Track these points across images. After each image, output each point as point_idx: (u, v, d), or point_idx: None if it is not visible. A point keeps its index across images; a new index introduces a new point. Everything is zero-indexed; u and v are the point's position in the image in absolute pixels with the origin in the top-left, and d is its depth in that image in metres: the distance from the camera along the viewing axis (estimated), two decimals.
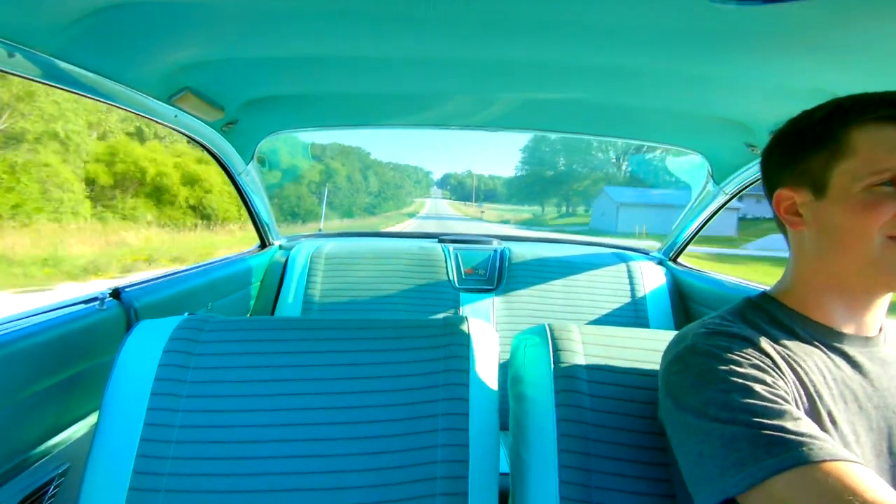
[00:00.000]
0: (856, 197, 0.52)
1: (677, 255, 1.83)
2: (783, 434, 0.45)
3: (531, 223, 47.88)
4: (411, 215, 50.54)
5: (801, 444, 0.44)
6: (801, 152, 0.57)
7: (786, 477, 0.43)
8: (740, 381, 0.50)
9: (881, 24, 0.62)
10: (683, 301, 1.65)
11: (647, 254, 1.92)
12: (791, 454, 0.43)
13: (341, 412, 0.73)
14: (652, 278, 1.66)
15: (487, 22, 0.75)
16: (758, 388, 0.49)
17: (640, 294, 1.62)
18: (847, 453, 0.44)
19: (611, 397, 0.69)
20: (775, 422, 0.46)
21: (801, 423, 0.46)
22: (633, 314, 1.59)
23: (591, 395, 0.69)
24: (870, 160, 0.51)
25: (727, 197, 1.53)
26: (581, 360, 0.72)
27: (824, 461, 0.42)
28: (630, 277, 1.65)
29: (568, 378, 0.70)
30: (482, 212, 59.57)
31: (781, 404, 0.48)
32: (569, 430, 0.67)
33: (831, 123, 0.55)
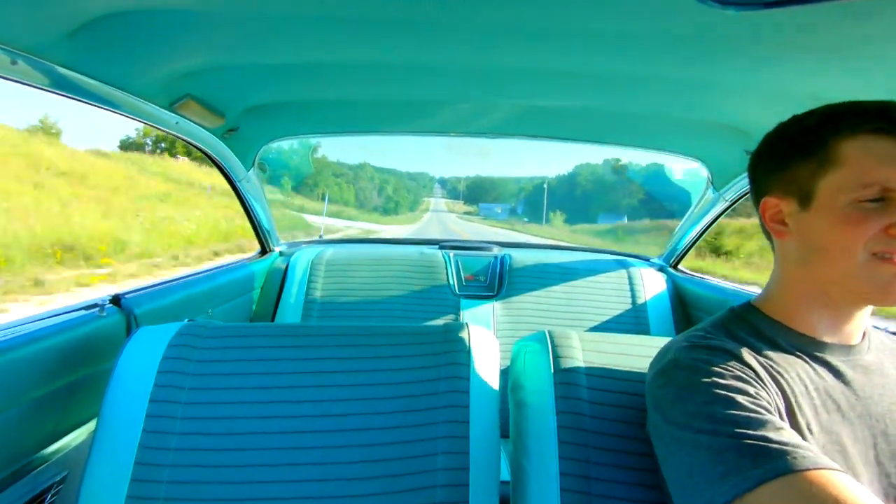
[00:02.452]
0: (841, 210, 0.51)
1: (678, 262, 1.83)
2: (767, 444, 0.45)
3: (470, 213, 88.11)
4: (426, 210, 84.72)
5: (785, 453, 0.44)
6: (790, 160, 0.57)
7: (771, 487, 0.43)
8: (723, 392, 0.50)
9: (880, 30, 0.63)
10: (684, 308, 1.65)
11: (648, 260, 1.92)
12: (775, 464, 0.43)
13: (340, 419, 0.72)
14: (652, 285, 1.66)
15: (487, 29, 0.76)
16: (740, 399, 0.49)
17: (640, 301, 1.61)
18: (830, 462, 0.44)
19: (611, 404, 0.69)
20: (758, 432, 0.46)
21: (783, 433, 0.46)
22: (633, 321, 1.58)
23: (592, 402, 0.69)
24: (858, 172, 0.51)
25: (727, 203, 1.53)
26: (581, 366, 0.71)
27: (808, 470, 0.42)
28: (630, 284, 1.65)
29: (568, 385, 0.70)
30: (453, 207, 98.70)
31: (764, 414, 0.48)
32: (569, 437, 0.66)
33: (822, 132, 0.54)
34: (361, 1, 0.67)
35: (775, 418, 0.48)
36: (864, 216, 0.50)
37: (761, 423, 0.47)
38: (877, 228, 0.50)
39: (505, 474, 0.83)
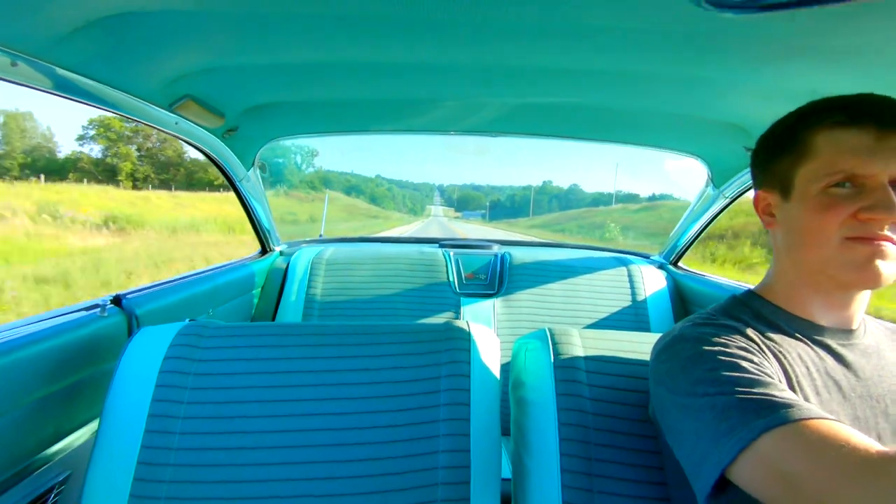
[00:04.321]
0: (814, 198, 0.55)
1: (678, 259, 1.83)
2: (770, 398, 0.46)
3: (458, 217, 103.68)
4: (429, 215, 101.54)
5: (788, 405, 0.45)
6: (774, 155, 0.61)
7: (773, 435, 0.44)
8: (727, 359, 0.52)
9: (873, 28, 0.63)
10: (684, 305, 1.65)
11: (648, 257, 1.92)
12: (777, 414, 0.45)
13: (342, 418, 0.73)
14: (653, 282, 1.66)
15: (486, 27, 0.76)
16: (744, 364, 0.51)
17: (640, 298, 1.62)
18: (831, 415, 0.45)
19: (612, 401, 0.69)
20: (762, 389, 0.47)
21: (786, 392, 0.48)
22: (633, 318, 1.58)
23: (593, 399, 0.69)
24: (826, 163, 0.54)
25: (727, 200, 1.53)
26: (582, 363, 0.72)
27: (810, 418, 0.44)
28: (631, 281, 1.65)
29: (569, 382, 0.70)
30: (447, 213, 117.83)
31: (766, 377, 0.49)
32: (570, 434, 0.67)
33: (796, 128, 0.58)
34: (360, 0, 0.67)
35: (777, 382, 0.49)
36: (834, 202, 0.53)
37: (765, 384, 0.48)
38: (847, 214, 0.52)
39: (506, 472, 0.83)
